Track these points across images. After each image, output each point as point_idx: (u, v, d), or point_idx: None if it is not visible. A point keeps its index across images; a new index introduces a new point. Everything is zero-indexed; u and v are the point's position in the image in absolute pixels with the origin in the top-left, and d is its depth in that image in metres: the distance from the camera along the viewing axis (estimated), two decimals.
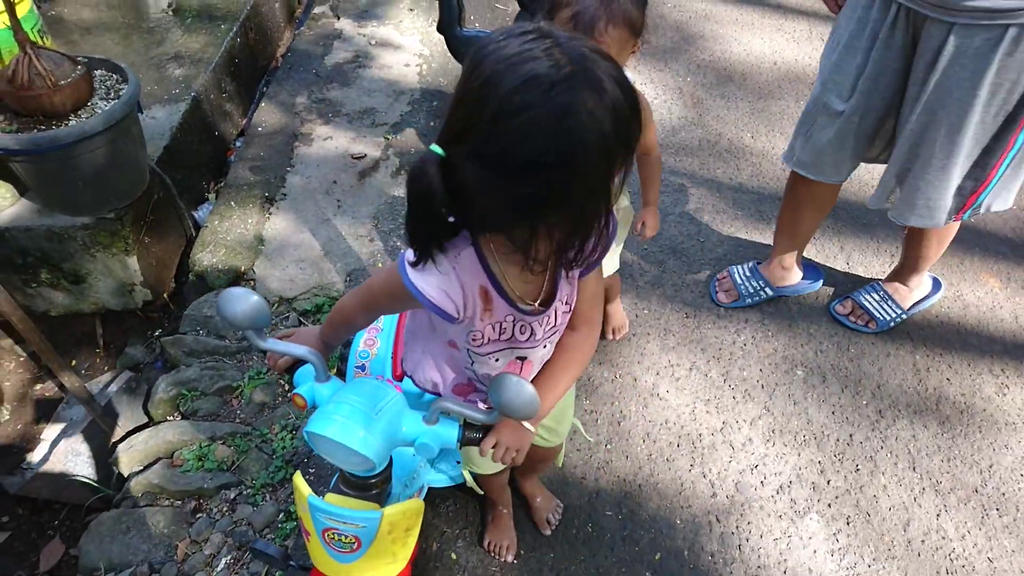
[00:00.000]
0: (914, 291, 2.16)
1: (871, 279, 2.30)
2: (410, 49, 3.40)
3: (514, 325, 1.06)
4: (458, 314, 1.00)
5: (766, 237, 2.47)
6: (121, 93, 2.21)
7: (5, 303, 1.69)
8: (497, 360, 1.13)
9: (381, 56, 3.36)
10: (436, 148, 0.85)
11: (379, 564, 1.22)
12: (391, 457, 1.21)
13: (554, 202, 0.84)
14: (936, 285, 2.21)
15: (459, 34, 2.80)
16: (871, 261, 2.40)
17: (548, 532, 1.72)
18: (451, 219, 0.89)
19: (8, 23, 2.07)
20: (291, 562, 1.36)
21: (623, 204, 1.81)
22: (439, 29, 2.85)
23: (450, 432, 1.13)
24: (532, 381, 1.14)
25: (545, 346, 1.15)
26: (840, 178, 1.91)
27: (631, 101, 0.83)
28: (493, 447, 1.12)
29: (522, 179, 0.82)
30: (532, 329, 1.08)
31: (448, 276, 0.96)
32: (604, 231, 0.93)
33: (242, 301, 1.02)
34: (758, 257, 2.33)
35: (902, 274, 2.15)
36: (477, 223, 0.92)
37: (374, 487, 1.20)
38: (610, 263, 1.93)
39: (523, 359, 1.14)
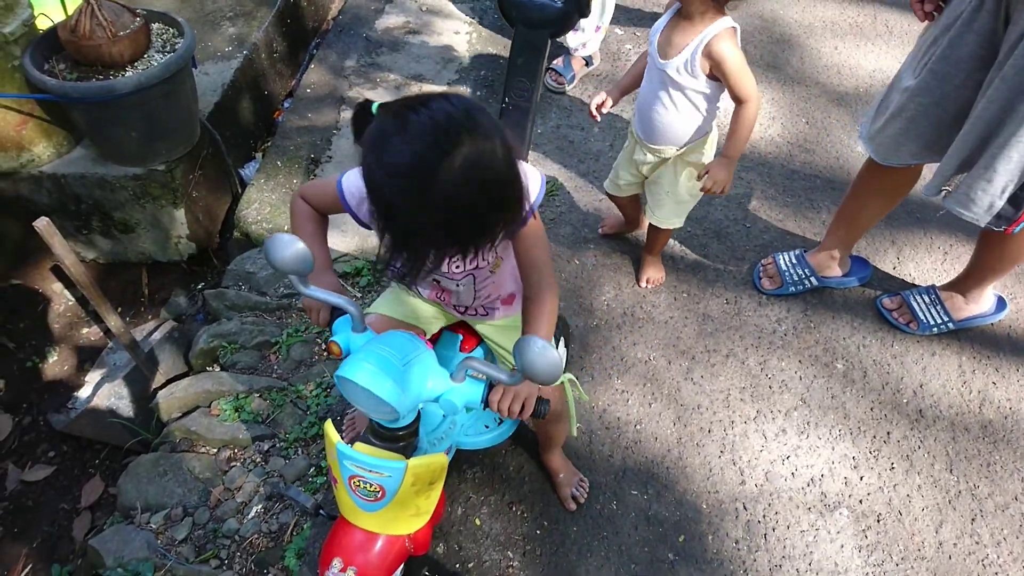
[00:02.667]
0: (970, 304, 2.07)
1: (914, 284, 2.24)
2: (460, 17, 3.38)
3: None
4: (359, 212, 1.22)
5: (815, 228, 2.42)
6: (177, 47, 2.24)
7: (59, 246, 1.74)
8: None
9: (432, 22, 3.34)
10: (374, 105, 1.03)
11: (402, 516, 1.24)
12: (419, 412, 1.23)
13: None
14: (1000, 305, 2.11)
15: None
16: (923, 258, 2.33)
17: (572, 508, 1.72)
18: None
19: None
20: (321, 511, 1.39)
21: (695, 159, 1.82)
22: None
23: (475, 391, 1.15)
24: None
25: (458, 285, 1.34)
26: (902, 160, 1.81)
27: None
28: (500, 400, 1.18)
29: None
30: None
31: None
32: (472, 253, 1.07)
33: (289, 246, 1.04)
34: (804, 247, 2.28)
35: (962, 283, 2.06)
36: None
37: (401, 439, 1.21)
38: (672, 219, 1.97)
39: (437, 282, 1.37)
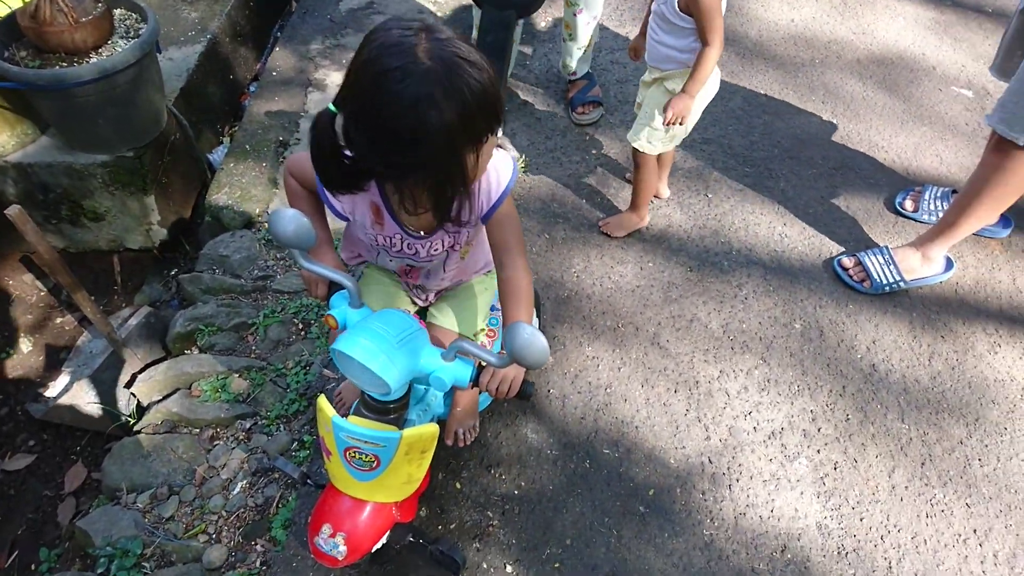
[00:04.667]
0: (923, 266, 2.18)
1: (869, 243, 2.34)
2: None
3: (402, 242, 1.33)
4: (344, 213, 1.29)
5: (774, 196, 2.51)
6: (141, 32, 2.24)
7: (32, 233, 1.75)
8: (391, 261, 1.43)
9: (393, 3, 3.35)
10: (331, 107, 1.07)
11: (394, 484, 1.30)
12: (410, 385, 1.28)
13: (409, 170, 1.06)
14: (948, 265, 2.23)
15: None
16: (875, 221, 2.43)
17: (449, 443, 1.73)
18: (347, 156, 1.10)
19: None
20: (308, 480, 1.44)
21: (671, 87, 1.96)
22: None
23: (464, 371, 1.20)
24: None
25: (433, 263, 1.41)
26: None
27: (482, 102, 1.01)
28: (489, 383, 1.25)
29: (384, 146, 1.03)
30: (417, 249, 1.35)
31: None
32: (465, 199, 1.13)
33: (292, 221, 1.09)
34: (747, 220, 2.37)
35: (925, 240, 2.16)
36: (365, 168, 1.13)
37: (392, 412, 1.26)
38: (636, 137, 2.10)
39: (411, 267, 1.45)
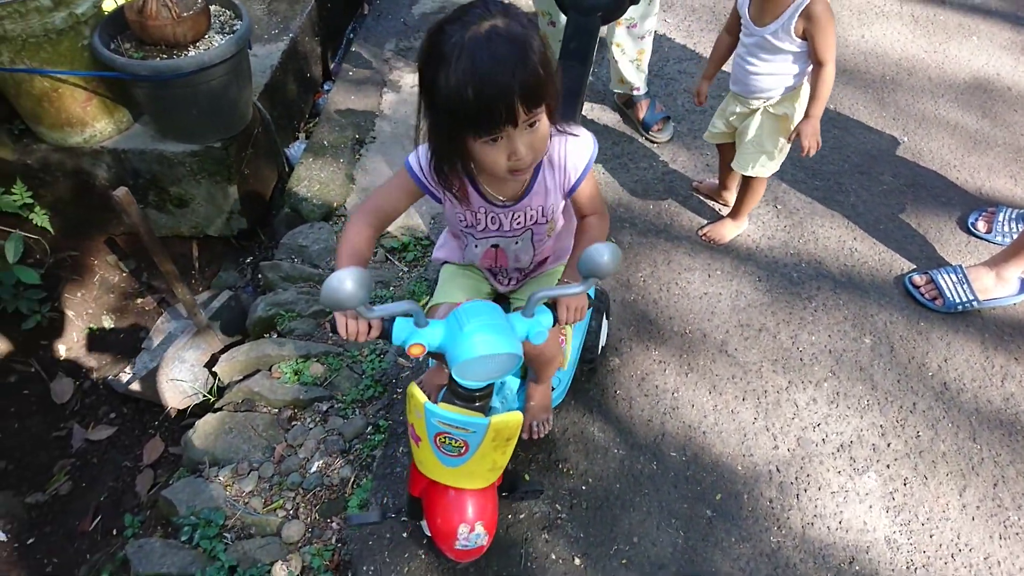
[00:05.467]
0: (998, 286, 2.16)
1: (942, 263, 2.32)
2: None
3: (487, 216, 1.38)
4: (436, 191, 1.32)
5: (844, 210, 2.50)
6: (235, 28, 2.34)
7: (136, 214, 1.85)
8: (476, 247, 1.47)
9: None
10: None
11: (480, 470, 1.34)
12: None
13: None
14: (1023, 287, 2.20)
15: None
16: (947, 240, 2.41)
17: (524, 436, 1.71)
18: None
19: None
20: (389, 515, 1.50)
21: (780, 112, 1.99)
22: None
23: (548, 317, 1.27)
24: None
25: (517, 242, 1.45)
26: None
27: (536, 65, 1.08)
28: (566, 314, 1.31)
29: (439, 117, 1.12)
30: (500, 221, 1.39)
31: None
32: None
33: (349, 278, 1.00)
34: (816, 233, 2.36)
35: (999, 260, 2.14)
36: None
37: (478, 399, 1.30)
38: (748, 165, 2.12)
39: (496, 247, 1.47)
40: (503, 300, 1.68)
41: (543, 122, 1.17)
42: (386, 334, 1.20)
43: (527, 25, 1.11)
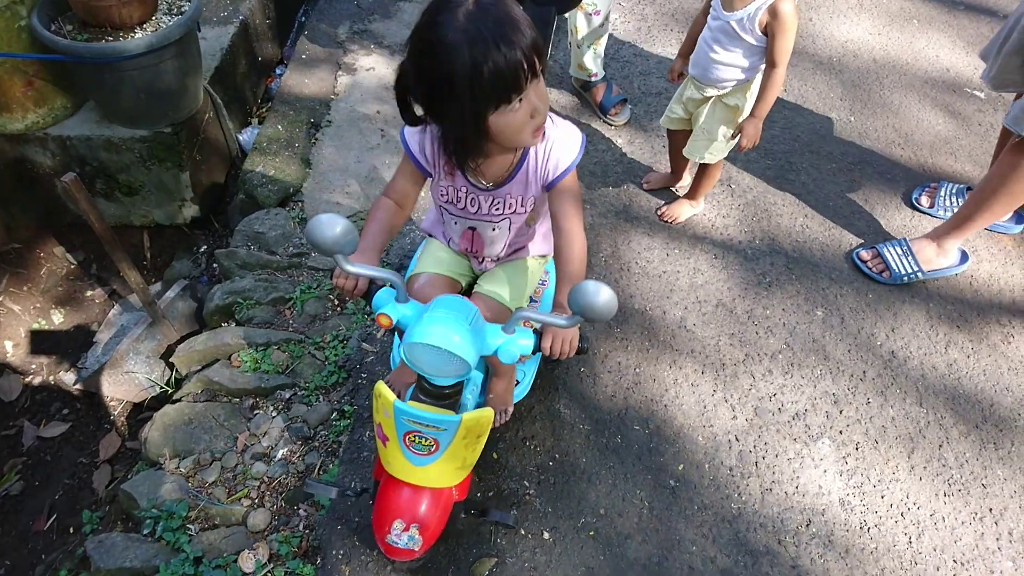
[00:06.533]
0: (939, 257, 2.26)
1: (888, 236, 2.41)
2: None
3: (467, 196, 1.41)
4: (427, 164, 1.36)
5: (795, 188, 2.57)
6: (183, 10, 2.27)
7: (86, 203, 1.79)
8: (456, 224, 1.50)
9: None
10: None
11: (450, 468, 1.32)
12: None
13: (437, 118, 1.21)
14: (963, 258, 2.30)
15: None
16: (892, 215, 2.50)
17: None
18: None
19: None
20: (346, 493, 1.47)
21: (732, 103, 2.02)
22: None
23: (529, 340, 1.22)
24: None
25: (494, 229, 1.47)
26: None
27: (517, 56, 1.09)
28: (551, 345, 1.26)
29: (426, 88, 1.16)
30: (479, 203, 1.41)
31: (425, 134, 1.34)
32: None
33: (331, 227, 1.04)
34: (768, 210, 2.43)
35: (941, 232, 2.23)
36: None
37: (449, 396, 1.28)
38: (700, 152, 2.16)
39: (473, 229, 1.50)
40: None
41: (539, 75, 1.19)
42: (369, 298, 1.27)
43: None
